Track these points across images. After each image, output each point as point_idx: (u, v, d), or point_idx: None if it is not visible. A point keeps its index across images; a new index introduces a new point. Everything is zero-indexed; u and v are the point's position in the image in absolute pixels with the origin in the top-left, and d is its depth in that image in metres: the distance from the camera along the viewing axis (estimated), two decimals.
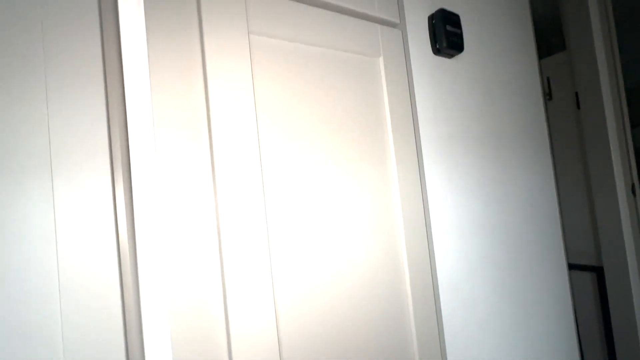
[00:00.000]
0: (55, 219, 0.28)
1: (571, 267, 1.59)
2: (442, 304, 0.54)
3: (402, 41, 0.58)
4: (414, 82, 0.60)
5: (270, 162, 0.40)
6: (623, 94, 1.46)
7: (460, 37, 0.68)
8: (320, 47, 0.45)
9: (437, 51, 0.66)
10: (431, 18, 0.66)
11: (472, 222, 0.66)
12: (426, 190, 0.57)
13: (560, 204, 1.65)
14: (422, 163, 0.56)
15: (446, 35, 0.65)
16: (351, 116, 0.48)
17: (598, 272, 1.49)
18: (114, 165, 0.32)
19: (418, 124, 0.57)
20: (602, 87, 1.46)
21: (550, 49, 2.06)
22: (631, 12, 2.27)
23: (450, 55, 0.68)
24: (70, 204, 0.29)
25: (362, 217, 0.47)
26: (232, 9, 0.38)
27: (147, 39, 0.33)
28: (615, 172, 1.40)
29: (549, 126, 1.56)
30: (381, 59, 0.52)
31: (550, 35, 2.15)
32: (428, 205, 0.57)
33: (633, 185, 1.40)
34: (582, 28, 1.49)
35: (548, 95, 1.67)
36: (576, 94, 1.51)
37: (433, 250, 0.56)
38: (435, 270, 0.55)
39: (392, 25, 0.57)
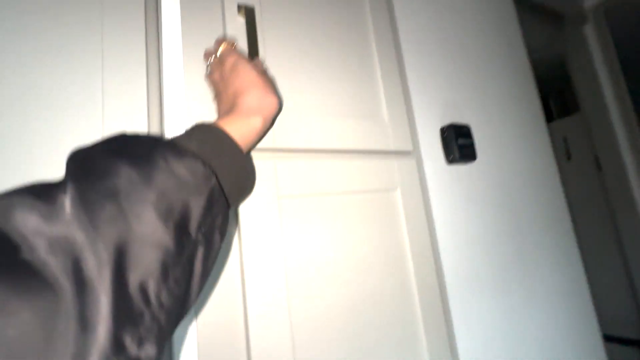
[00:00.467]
0: None
1: (610, 339, 1.47)
2: None
3: (417, 165, 0.63)
4: (431, 198, 0.63)
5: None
6: None
7: (471, 147, 0.72)
8: (339, 194, 0.50)
9: (450, 162, 0.70)
10: (443, 132, 0.71)
11: (499, 330, 0.65)
12: (450, 317, 0.58)
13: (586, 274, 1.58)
14: (447, 298, 0.57)
15: (458, 148, 0.69)
16: (373, 252, 0.51)
17: None
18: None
19: (438, 250, 0.59)
20: (620, 146, 1.45)
21: (567, 109, 2.08)
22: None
23: (465, 163, 0.72)
24: None
25: None
26: (264, 175, 0.44)
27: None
28: None
29: (566, 191, 1.54)
30: (399, 191, 0.56)
31: (566, 95, 2.18)
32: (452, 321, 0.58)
33: None
34: (592, 90, 1.52)
35: (567, 156, 1.67)
36: (596, 156, 1.50)
37: None
38: None
39: (406, 154, 0.62)
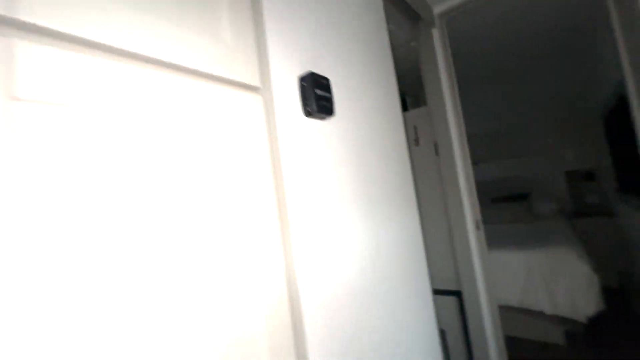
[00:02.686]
0: None
1: (439, 292, 1.80)
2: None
3: (265, 107, 0.53)
4: (281, 149, 0.55)
5: None
6: (465, 141, 1.79)
7: (330, 101, 0.68)
8: (133, 118, 0.35)
9: (308, 114, 0.64)
10: (302, 80, 0.64)
11: (347, 270, 0.63)
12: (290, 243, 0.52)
13: (425, 239, 1.89)
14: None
15: (316, 99, 0.64)
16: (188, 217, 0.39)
17: (459, 295, 1.73)
18: None
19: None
20: (452, 139, 1.76)
21: (418, 102, 2.42)
22: (467, 76, 2.90)
23: (322, 118, 0.67)
24: None
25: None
26: None
27: None
28: (465, 210, 1.67)
29: (414, 172, 1.75)
30: (235, 132, 0.46)
31: (418, 90, 2.54)
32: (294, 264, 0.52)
33: (477, 222, 1.69)
34: (435, 89, 1.79)
35: (416, 141, 1.93)
36: (435, 143, 1.78)
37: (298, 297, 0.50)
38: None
39: (252, 89, 0.51)
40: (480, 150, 4.07)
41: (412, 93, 2.60)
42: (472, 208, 1.67)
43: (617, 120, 2.39)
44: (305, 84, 0.64)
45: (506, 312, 2.30)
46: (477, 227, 1.67)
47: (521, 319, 2.28)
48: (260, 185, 0.50)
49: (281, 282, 0.50)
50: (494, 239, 2.70)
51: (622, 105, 2.12)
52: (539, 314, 2.15)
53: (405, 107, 2.34)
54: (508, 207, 3.59)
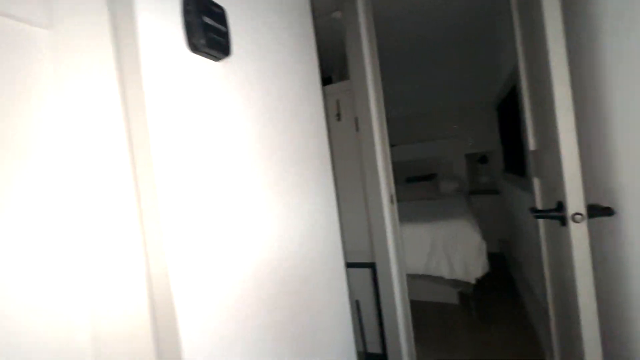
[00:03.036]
0: None
1: (354, 265, 1.86)
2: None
3: (112, 33, 0.38)
4: (150, 85, 0.41)
5: None
6: (384, 118, 1.82)
7: (225, 36, 0.54)
8: None
9: (194, 48, 0.50)
10: (185, 3, 0.49)
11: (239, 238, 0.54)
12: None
13: (340, 213, 1.91)
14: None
15: (205, 29, 0.50)
16: None
17: (373, 267, 1.80)
18: None
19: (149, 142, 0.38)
20: (372, 114, 1.76)
21: (342, 76, 2.38)
22: (387, 60, 2.99)
23: (214, 58, 0.54)
24: None
25: None
26: None
27: None
28: (381, 185, 1.71)
29: (335, 147, 1.71)
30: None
31: (342, 67, 2.50)
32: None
33: (392, 196, 1.76)
34: (358, 61, 1.76)
35: (338, 116, 1.90)
36: (356, 118, 1.77)
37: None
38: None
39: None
40: (397, 133, 4.33)
41: (337, 69, 2.56)
42: (387, 183, 1.73)
43: (508, 108, 2.74)
44: (190, 8, 0.49)
45: (412, 280, 2.53)
46: (392, 202, 1.74)
47: (424, 285, 2.53)
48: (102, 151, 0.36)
49: (136, 284, 0.38)
50: (405, 215, 2.91)
51: (513, 94, 2.42)
52: (439, 279, 2.41)
53: (329, 81, 2.29)
54: (420, 186, 3.92)
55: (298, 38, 0.86)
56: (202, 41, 0.50)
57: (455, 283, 2.43)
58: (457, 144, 4.28)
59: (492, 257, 3.49)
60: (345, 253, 1.56)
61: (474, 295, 2.39)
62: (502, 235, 3.58)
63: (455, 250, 2.32)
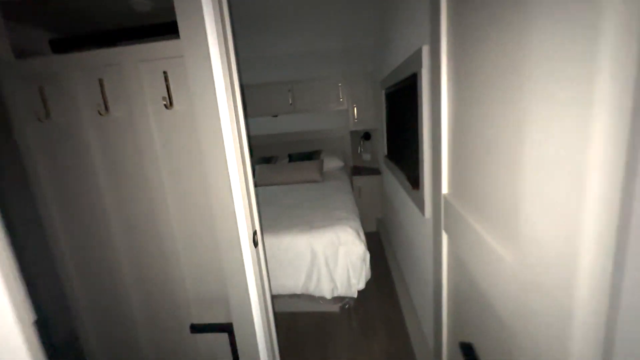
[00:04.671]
0: None
1: (205, 329, 1.28)
2: None
3: None
4: None
5: None
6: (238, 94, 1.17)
7: None
8: None
9: None
10: None
11: None
12: None
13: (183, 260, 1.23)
14: None
15: None
16: None
17: (231, 330, 1.26)
18: None
19: None
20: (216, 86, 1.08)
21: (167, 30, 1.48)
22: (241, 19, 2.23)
23: None
24: None
25: None
26: None
27: None
28: (239, 223, 1.12)
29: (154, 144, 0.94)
30: None
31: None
32: None
33: (255, 234, 1.19)
34: (192, 18, 1.02)
35: (169, 104, 1.13)
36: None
37: None
38: None
39: None
40: (280, 101, 3.69)
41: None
42: (249, 218, 1.14)
43: (399, 90, 2.43)
44: None
45: (289, 298, 2.14)
46: (255, 243, 1.17)
47: (302, 301, 2.19)
48: None
49: None
50: (284, 211, 2.44)
51: (411, 80, 2.07)
52: (320, 298, 2.09)
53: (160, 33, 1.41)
54: (303, 166, 3.50)
55: None
56: None
57: (337, 299, 2.16)
58: (343, 118, 3.98)
59: (370, 235, 3.49)
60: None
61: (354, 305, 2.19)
62: (379, 215, 3.58)
63: (337, 264, 1.99)
